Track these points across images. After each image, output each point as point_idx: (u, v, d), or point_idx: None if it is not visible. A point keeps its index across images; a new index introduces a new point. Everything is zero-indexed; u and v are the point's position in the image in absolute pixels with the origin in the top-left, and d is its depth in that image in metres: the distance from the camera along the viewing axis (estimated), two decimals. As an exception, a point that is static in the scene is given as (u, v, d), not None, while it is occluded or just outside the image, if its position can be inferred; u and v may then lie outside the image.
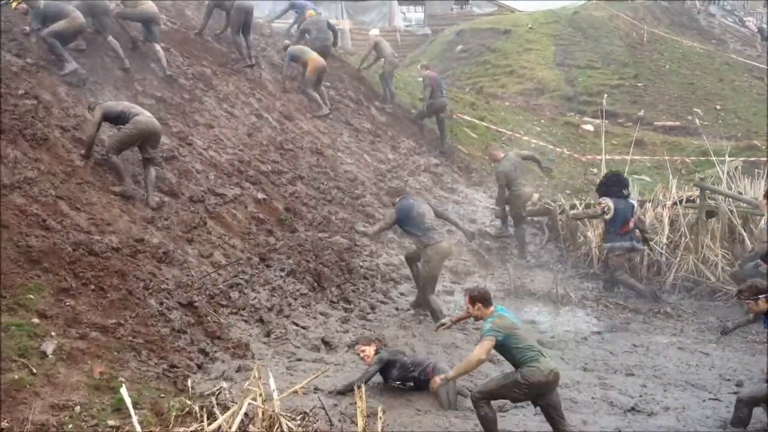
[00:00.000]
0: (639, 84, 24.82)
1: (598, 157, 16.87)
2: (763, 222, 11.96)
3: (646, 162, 18.41)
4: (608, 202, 11.80)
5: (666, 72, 26.16)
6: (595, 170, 17.21)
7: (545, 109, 22.69)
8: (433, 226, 9.94)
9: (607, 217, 11.80)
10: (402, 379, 7.72)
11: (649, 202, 13.57)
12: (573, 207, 13.89)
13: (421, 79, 17.43)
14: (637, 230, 11.94)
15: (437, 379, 6.85)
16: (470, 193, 15.37)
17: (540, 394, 6.56)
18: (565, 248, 13.41)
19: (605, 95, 21.09)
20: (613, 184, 12.13)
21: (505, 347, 6.53)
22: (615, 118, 22.11)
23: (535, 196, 13.98)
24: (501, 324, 6.53)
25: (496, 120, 20.11)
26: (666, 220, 12.67)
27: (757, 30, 32.48)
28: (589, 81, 24.83)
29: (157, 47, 12.59)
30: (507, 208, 13.37)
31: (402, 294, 10.85)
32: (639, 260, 12.61)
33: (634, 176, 15.93)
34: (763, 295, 7.01)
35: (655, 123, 22.35)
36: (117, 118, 9.58)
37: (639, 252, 12.31)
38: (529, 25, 29.02)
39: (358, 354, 7.84)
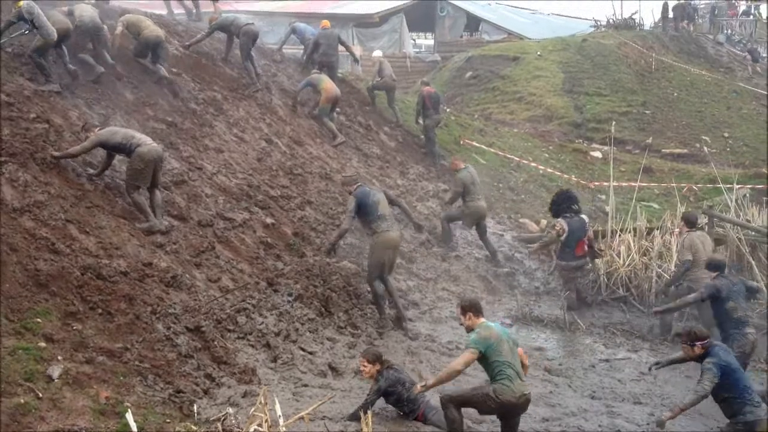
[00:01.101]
0: (647, 111, 24.87)
1: (606, 184, 16.84)
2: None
3: (654, 189, 18.41)
4: (563, 224, 12.04)
5: (674, 99, 26.23)
6: (603, 197, 17.19)
7: (554, 135, 22.74)
8: (385, 215, 10.41)
9: (562, 238, 12.03)
10: (397, 407, 7.71)
11: (657, 229, 13.55)
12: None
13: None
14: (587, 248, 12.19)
15: (418, 386, 7.06)
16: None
17: (508, 412, 6.81)
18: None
19: (613, 122, 21.10)
20: (563, 202, 12.44)
21: (485, 358, 6.76)
22: (623, 145, 22.14)
23: (543, 221, 13.94)
24: (485, 335, 6.79)
25: (505, 146, 20.13)
26: (674, 248, 12.60)
27: (747, 53, 32.50)
28: (598, 108, 24.89)
29: (162, 69, 12.76)
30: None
31: (410, 320, 10.80)
32: (647, 287, 12.55)
33: (643, 203, 15.90)
34: (699, 342, 7.33)
35: (663, 150, 22.39)
36: (116, 148, 9.46)
37: (586, 269, 12.51)
38: (538, 53, 29.13)
39: (360, 365, 7.81)
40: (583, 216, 12.48)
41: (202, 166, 11.55)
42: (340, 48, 17.56)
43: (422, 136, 17.57)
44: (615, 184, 15.57)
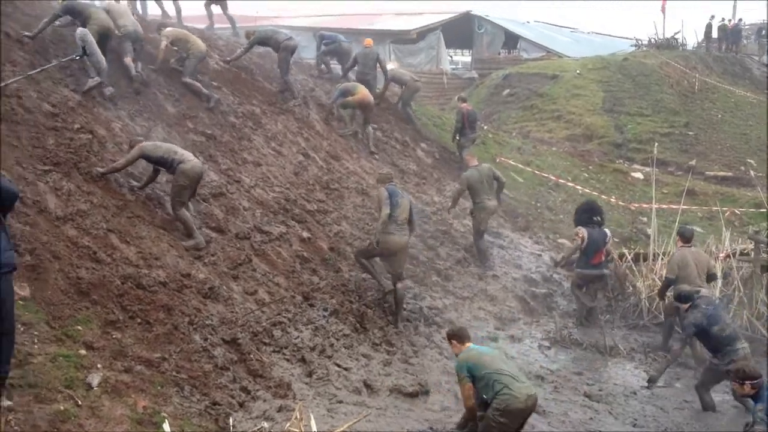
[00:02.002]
0: (690, 133, 24.53)
1: (648, 205, 16.61)
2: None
3: (698, 212, 18.10)
4: (583, 232, 12.23)
5: (718, 121, 25.86)
6: (645, 219, 16.94)
7: (593, 155, 22.51)
8: (398, 220, 10.47)
9: (582, 246, 12.19)
10: None
11: (702, 253, 13.28)
12: (622, 256, 13.65)
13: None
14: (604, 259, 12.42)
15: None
16: (516, 237, 15.21)
17: (522, 419, 6.93)
18: (613, 298, 13.16)
19: (656, 143, 20.83)
20: (586, 212, 12.75)
21: (474, 378, 6.95)
22: (665, 166, 21.83)
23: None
24: (467, 356, 7.09)
25: (543, 165, 19.98)
26: (719, 273, 12.36)
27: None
28: (639, 128, 24.60)
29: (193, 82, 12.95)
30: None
31: (445, 338, 10.67)
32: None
33: (686, 226, 15.63)
34: (750, 381, 7.25)
35: (707, 173, 22.02)
36: (158, 162, 9.52)
37: (605, 278, 12.61)
38: (578, 71, 28.94)
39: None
40: (606, 229, 12.62)
41: (240, 179, 11.60)
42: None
43: (458, 154, 17.50)
44: (657, 206, 15.35)
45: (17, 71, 10.07)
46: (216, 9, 17.94)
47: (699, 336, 9.47)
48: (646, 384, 10.16)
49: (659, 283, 12.45)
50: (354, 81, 16.58)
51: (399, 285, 10.63)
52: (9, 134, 8.90)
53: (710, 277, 11.26)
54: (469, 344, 7.37)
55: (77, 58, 10.58)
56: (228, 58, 15.08)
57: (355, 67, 17.32)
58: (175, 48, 13.07)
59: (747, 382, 7.21)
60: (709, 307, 9.40)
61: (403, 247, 10.69)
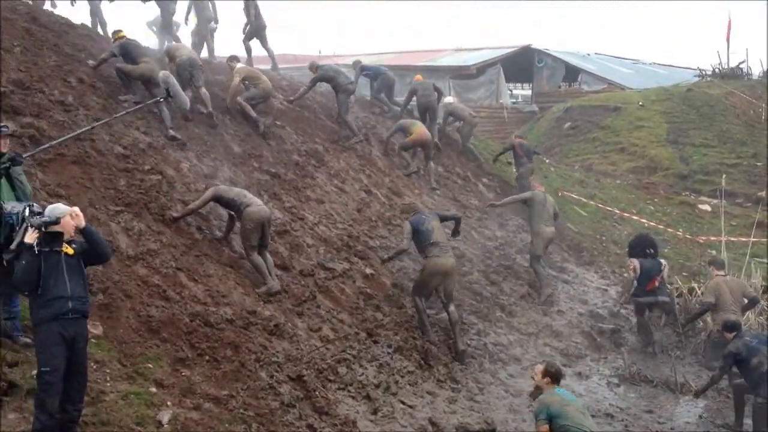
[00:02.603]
0: (758, 163, 23.86)
1: (716, 238, 16.22)
2: None
3: (768, 244, 17.59)
4: (635, 263, 12.66)
5: (787, 151, 25.12)
6: (714, 252, 16.52)
7: (659, 187, 22.09)
8: (438, 242, 10.73)
9: (635, 275, 12.56)
10: None
11: (773, 286, 12.92)
12: (691, 291, 13.34)
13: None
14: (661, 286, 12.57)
15: None
16: (581, 272, 15.01)
17: None
18: (683, 333, 12.82)
19: (723, 174, 20.36)
20: (638, 245, 13.22)
21: (552, 424, 6.70)
22: (733, 197, 21.25)
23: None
24: (549, 400, 6.81)
25: (607, 198, 19.72)
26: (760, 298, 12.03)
27: None
28: (705, 159, 24.07)
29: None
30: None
31: (511, 375, 10.58)
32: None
33: (756, 259, 15.20)
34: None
35: (777, 204, 21.38)
36: (228, 204, 9.82)
37: (664, 304, 12.67)
38: (640, 102, 28.55)
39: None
40: (661, 260, 13.00)
41: (303, 216, 11.76)
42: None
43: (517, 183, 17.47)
44: (726, 238, 14.98)
45: (90, 115, 10.46)
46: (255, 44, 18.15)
47: (737, 364, 9.45)
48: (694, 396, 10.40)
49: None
50: (414, 116, 16.82)
51: (451, 308, 10.75)
52: (83, 176, 9.25)
53: (752, 302, 11.74)
54: (555, 386, 7.12)
55: (162, 100, 10.95)
56: (291, 98, 15.37)
57: (417, 94, 17.55)
58: (246, 82, 13.47)
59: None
60: (753, 340, 9.40)
61: (451, 269, 10.83)
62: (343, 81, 15.42)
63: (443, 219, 11.48)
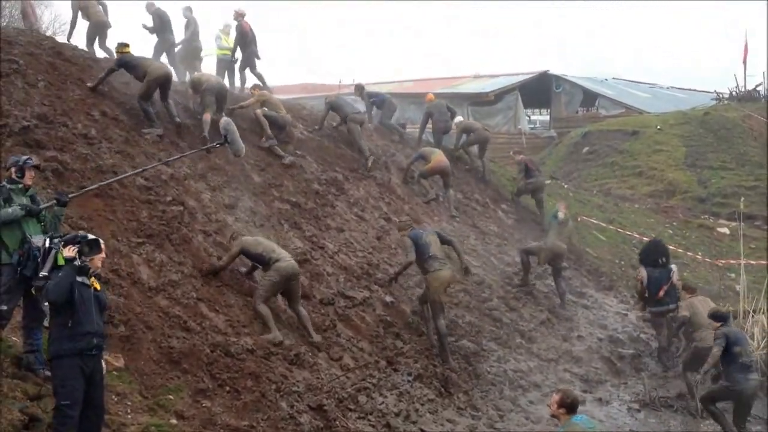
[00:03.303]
0: (776, 186, 23.76)
1: (736, 261, 16.12)
2: None
3: (788, 267, 17.45)
4: (642, 273, 12.98)
5: (805, 173, 24.94)
6: (733, 275, 16.42)
7: (677, 211, 22.01)
8: (437, 255, 10.93)
9: (643, 285, 12.87)
10: None
11: (795, 310, 12.80)
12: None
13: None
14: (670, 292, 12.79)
15: None
16: (600, 297, 14.96)
17: None
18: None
19: (741, 197, 20.26)
20: (648, 254, 13.45)
21: None
22: (752, 220, 21.11)
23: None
24: None
25: (626, 222, 19.68)
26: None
27: None
28: (723, 182, 23.97)
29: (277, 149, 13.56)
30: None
31: (531, 402, 10.55)
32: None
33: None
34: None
35: (796, 226, 21.20)
36: (256, 258, 9.75)
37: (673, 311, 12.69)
38: (658, 126, 28.51)
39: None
40: (672, 266, 13.22)
41: (324, 245, 11.85)
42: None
43: (539, 213, 17.50)
44: (745, 261, 14.88)
45: (113, 148, 10.64)
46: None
47: (723, 354, 9.79)
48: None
49: (751, 343, 12.03)
50: (431, 142, 17.06)
51: (440, 322, 10.79)
52: (105, 209, 9.39)
53: None
54: (572, 416, 7.01)
55: (218, 146, 11.13)
56: (316, 127, 15.73)
57: (433, 118, 17.98)
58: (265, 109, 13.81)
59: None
60: (738, 332, 10.14)
61: (452, 280, 11.23)
62: (349, 110, 15.79)
63: (440, 238, 11.52)
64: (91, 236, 6.10)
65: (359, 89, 18.38)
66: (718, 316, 10.25)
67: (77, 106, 11.20)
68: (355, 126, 15.61)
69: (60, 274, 5.82)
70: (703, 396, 10.32)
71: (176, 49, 17.12)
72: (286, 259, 9.63)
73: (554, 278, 14.10)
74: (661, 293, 12.73)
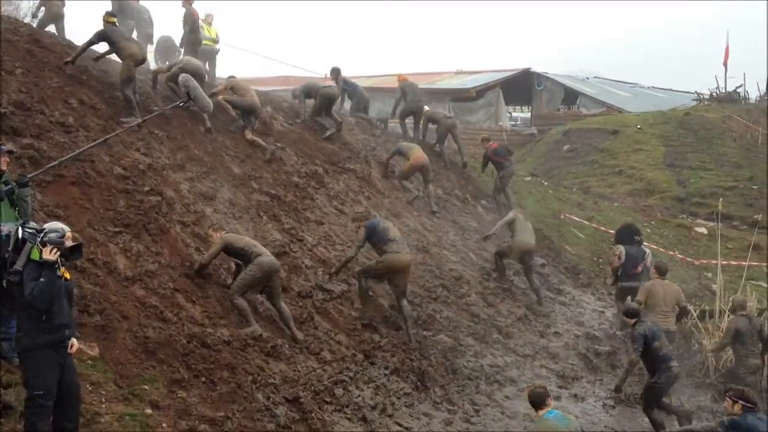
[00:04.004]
0: (754, 186, 23.96)
1: (713, 261, 16.25)
2: None
3: (765, 267, 17.62)
4: (620, 250, 13.47)
5: (782, 174, 25.22)
6: (710, 275, 16.56)
7: (655, 210, 22.19)
8: (396, 239, 11.11)
9: (620, 261, 13.31)
10: None
11: (769, 310, 12.92)
12: (687, 313, 13.36)
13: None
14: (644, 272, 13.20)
15: None
16: (577, 294, 15.05)
17: None
18: (679, 355, 12.84)
19: (719, 197, 20.44)
20: (625, 233, 14.12)
21: None
22: (729, 221, 21.29)
23: None
24: (544, 429, 6.75)
25: (604, 220, 19.77)
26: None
27: None
28: (702, 182, 24.19)
29: (249, 134, 13.51)
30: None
31: (507, 397, 10.58)
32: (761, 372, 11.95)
33: (752, 282, 15.24)
34: (742, 402, 7.58)
35: (772, 227, 21.42)
36: (237, 253, 9.59)
37: None
38: (638, 126, 28.73)
39: None
40: (645, 248, 13.80)
41: (303, 237, 11.82)
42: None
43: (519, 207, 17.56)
44: (723, 261, 15.01)
45: (91, 136, 10.53)
46: None
47: (644, 352, 10.06)
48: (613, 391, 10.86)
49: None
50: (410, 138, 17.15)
51: (404, 302, 10.95)
52: (82, 197, 9.30)
53: (683, 311, 12.15)
54: (542, 411, 7.03)
55: (182, 104, 10.99)
56: (297, 120, 15.80)
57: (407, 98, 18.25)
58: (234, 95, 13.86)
59: (740, 401, 7.48)
60: (653, 326, 10.26)
61: (408, 265, 11.22)
62: (321, 86, 16.24)
63: None
64: (70, 242, 5.95)
65: (335, 73, 18.11)
66: (630, 313, 10.43)
67: (55, 94, 11.07)
68: (323, 99, 15.80)
69: (43, 279, 5.62)
70: (644, 407, 10.32)
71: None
72: (267, 255, 9.58)
73: (526, 276, 14.20)
74: (639, 269, 13.20)
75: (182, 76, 11.56)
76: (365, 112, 18.87)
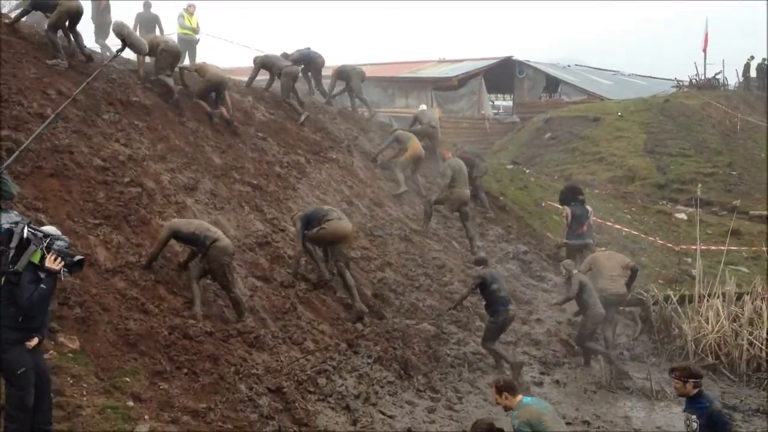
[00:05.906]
0: (733, 172, 24.22)
1: (692, 247, 16.40)
2: None
3: (743, 252, 17.81)
4: (568, 210, 14.80)
5: (761, 160, 25.42)
6: (690, 260, 16.71)
7: (636, 197, 22.34)
8: (334, 209, 11.40)
9: (567, 221, 14.67)
10: None
11: (748, 294, 13.06)
12: (667, 298, 13.50)
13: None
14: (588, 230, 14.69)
15: None
16: (560, 281, 15.11)
17: None
18: (659, 340, 12.97)
19: (699, 183, 20.60)
20: (569, 193, 15.34)
21: None
22: (709, 206, 21.53)
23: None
24: (528, 415, 6.64)
25: (586, 207, 19.85)
26: (765, 314, 12.15)
27: None
28: (682, 169, 24.39)
29: (224, 110, 13.44)
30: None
31: (490, 384, 10.62)
32: (738, 355, 12.09)
33: (731, 267, 15.40)
34: (693, 380, 6.93)
35: (751, 212, 21.60)
36: (188, 239, 9.16)
37: (591, 247, 14.36)
38: (619, 113, 28.89)
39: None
40: (587, 206, 15.07)
41: (285, 227, 11.79)
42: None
43: (501, 198, 17.59)
44: (702, 246, 15.15)
45: (69, 127, 10.44)
46: None
47: (482, 288, 11.33)
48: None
49: (706, 326, 12.35)
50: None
51: (347, 272, 11.00)
52: (61, 189, 9.22)
53: (633, 272, 12.65)
54: (519, 397, 7.01)
55: (120, 52, 10.99)
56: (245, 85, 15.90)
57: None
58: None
59: (690, 380, 6.92)
60: (493, 271, 11.79)
61: (349, 234, 11.29)
62: (283, 64, 15.82)
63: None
64: (78, 256, 5.96)
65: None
66: (478, 261, 11.78)
67: (33, 85, 10.94)
68: (288, 80, 15.62)
69: (44, 286, 5.58)
70: (482, 343, 11.33)
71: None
72: (224, 238, 9.18)
73: (462, 223, 14.83)
74: (584, 227, 14.49)
75: (115, 22, 11.67)
76: (319, 74, 18.10)
